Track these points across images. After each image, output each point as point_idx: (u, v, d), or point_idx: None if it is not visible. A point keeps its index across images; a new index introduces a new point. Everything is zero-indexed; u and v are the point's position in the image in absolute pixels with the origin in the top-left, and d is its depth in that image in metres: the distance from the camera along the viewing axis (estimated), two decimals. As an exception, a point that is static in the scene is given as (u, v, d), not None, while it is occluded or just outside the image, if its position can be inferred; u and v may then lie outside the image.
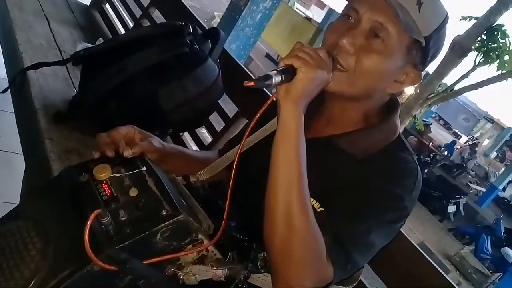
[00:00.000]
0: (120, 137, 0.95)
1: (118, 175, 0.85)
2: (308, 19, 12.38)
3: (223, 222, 0.85)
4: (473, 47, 4.32)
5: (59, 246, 0.76)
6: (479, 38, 4.34)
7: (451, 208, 10.99)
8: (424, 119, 18.02)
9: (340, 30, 0.88)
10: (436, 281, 1.18)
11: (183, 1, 2.44)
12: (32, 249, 0.76)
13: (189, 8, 2.39)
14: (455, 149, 16.88)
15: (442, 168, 14.73)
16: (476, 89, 4.48)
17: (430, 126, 16.91)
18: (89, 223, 0.70)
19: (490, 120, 26.29)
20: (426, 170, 12.14)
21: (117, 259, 0.72)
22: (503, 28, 4.24)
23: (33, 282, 0.72)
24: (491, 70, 4.28)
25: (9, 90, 1.80)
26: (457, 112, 26.49)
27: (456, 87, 4.72)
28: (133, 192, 0.81)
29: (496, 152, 24.31)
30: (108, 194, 0.81)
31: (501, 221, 10.52)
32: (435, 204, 10.95)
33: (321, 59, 0.82)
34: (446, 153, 15.28)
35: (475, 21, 4.42)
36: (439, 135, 19.38)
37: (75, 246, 0.72)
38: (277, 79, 0.78)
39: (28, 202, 0.91)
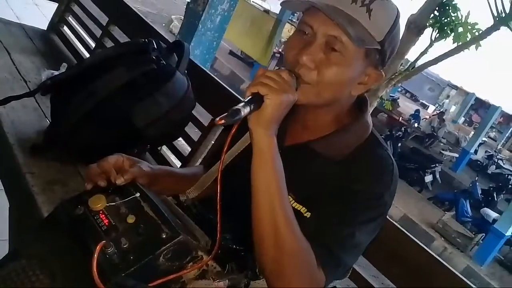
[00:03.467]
0: (110, 166, 0.96)
1: (114, 203, 0.88)
2: (266, 11, 12.42)
3: (218, 236, 0.88)
4: (428, 24, 4.46)
5: (66, 281, 0.79)
6: (432, 15, 4.45)
7: (428, 178, 11.26)
8: (390, 94, 18.36)
9: (298, 46, 0.91)
10: (420, 256, 1.24)
11: (141, 15, 2.43)
12: (40, 286, 0.78)
13: (148, 21, 2.40)
14: (424, 119, 17.27)
15: (415, 140, 15.07)
16: (436, 63, 4.63)
17: (398, 100, 17.26)
18: (95, 255, 0.72)
19: (454, 87, 26.91)
20: (399, 144, 12.37)
21: (125, 286, 0.75)
22: (453, 3, 4.35)
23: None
24: (449, 43, 4.43)
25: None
26: (422, 83, 26.94)
27: (418, 64, 4.87)
28: (131, 219, 0.84)
29: (463, 117, 24.97)
30: (107, 223, 0.83)
31: (477, 183, 10.87)
32: (412, 175, 11.19)
33: (284, 81, 0.85)
34: (416, 125, 15.61)
35: (427, -2, 4.55)
36: (408, 108, 19.72)
37: (82, 278, 0.75)
38: (245, 111, 0.80)
39: (28, 241, 0.92)
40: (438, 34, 4.49)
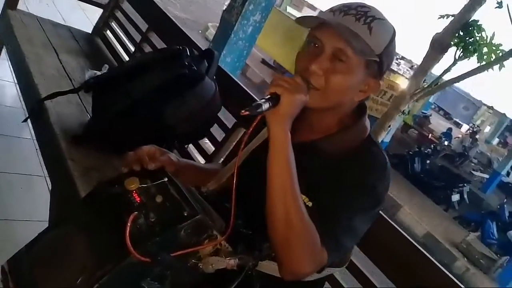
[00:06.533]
0: (144, 154, 1.11)
1: (145, 185, 1.02)
2: (300, 22, 12.51)
3: (232, 220, 1.01)
4: (452, 43, 4.56)
5: (102, 245, 0.93)
6: (457, 34, 4.54)
7: (455, 197, 11.06)
8: (422, 111, 18.13)
9: (308, 57, 1.06)
10: (412, 255, 1.38)
11: (178, 24, 2.61)
12: (81, 249, 0.94)
13: (183, 29, 2.57)
14: (456, 138, 16.97)
15: (445, 158, 14.80)
16: (458, 81, 4.74)
17: (430, 117, 17.04)
18: (129, 224, 0.88)
19: (490, 107, 26.21)
20: (428, 162, 12.19)
21: (151, 252, 0.89)
22: (478, 23, 4.44)
23: (82, 275, 0.90)
24: (473, 61, 4.49)
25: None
26: (456, 101, 26.34)
27: (441, 80, 4.94)
28: (159, 199, 0.99)
29: (498, 138, 24.34)
30: (139, 201, 0.98)
31: (505, 205, 10.64)
32: (438, 194, 11.02)
33: (298, 84, 1.00)
34: (446, 142, 15.36)
35: (452, 18, 4.64)
36: (440, 126, 19.37)
37: (115, 244, 0.90)
38: (266, 106, 0.95)
39: (73, 213, 1.09)
40: (462, 53, 4.57)
